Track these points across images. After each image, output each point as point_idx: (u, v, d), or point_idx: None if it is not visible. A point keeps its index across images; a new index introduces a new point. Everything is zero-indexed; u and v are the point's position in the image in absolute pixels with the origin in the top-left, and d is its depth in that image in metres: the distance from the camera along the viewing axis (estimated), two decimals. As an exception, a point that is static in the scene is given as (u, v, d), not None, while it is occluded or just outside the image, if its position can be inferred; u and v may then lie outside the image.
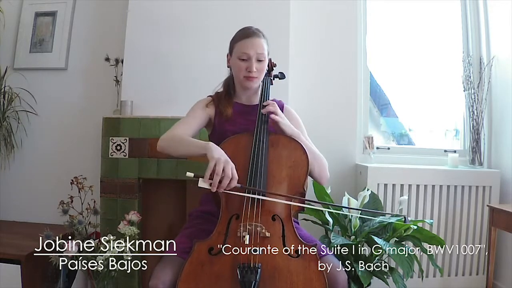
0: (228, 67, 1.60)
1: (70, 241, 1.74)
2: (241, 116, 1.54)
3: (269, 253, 1.20)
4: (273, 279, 1.17)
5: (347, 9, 2.54)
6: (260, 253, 1.18)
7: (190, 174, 1.25)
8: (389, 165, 2.45)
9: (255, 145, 1.36)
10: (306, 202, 1.40)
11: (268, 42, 1.53)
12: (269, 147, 1.39)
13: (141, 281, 2.14)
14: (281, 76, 1.66)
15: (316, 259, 1.21)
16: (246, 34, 1.50)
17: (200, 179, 1.24)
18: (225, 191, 1.25)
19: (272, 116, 1.42)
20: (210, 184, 1.23)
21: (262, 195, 1.28)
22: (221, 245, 1.23)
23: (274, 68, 1.64)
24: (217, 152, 1.28)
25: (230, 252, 1.21)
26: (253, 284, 1.12)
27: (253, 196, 1.27)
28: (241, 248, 1.20)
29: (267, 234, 1.23)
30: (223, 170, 1.23)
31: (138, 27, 2.30)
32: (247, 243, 1.19)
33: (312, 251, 1.22)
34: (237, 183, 1.26)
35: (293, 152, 1.40)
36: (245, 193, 1.27)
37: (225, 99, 1.56)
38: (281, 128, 1.44)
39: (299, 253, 1.22)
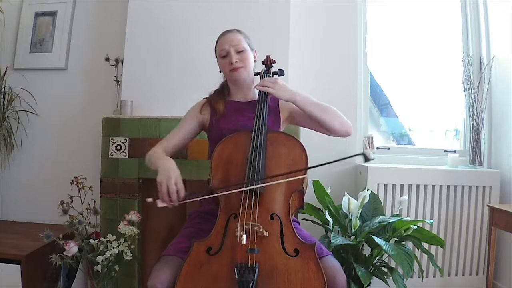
0: (220, 72, 1.63)
1: (70, 241, 1.75)
2: (236, 113, 1.55)
3: (266, 252, 1.19)
4: (271, 278, 1.16)
5: (347, 9, 2.54)
6: (257, 252, 1.17)
7: (149, 200, 1.31)
8: (389, 165, 2.45)
9: (254, 143, 1.36)
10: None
11: (247, 36, 1.59)
12: (267, 144, 1.38)
13: (141, 281, 2.14)
14: (280, 72, 1.66)
15: (315, 258, 1.20)
16: (220, 34, 1.59)
17: (157, 200, 1.30)
18: (184, 201, 1.32)
19: (264, 88, 1.46)
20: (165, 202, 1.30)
21: (252, 185, 1.29)
22: (219, 245, 1.22)
23: (273, 64, 1.64)
24: (160, 174, 1.33)
25: (228, 252, 1.20)
26: (251, 284, 1.11)
27: (241, 189, 1.28)
28: (239, 247, 1.19)
29: (265, 233, 1.22)
30: (167, 189, 1.29)
31: (138, 27, 2.30)
32: (244, 242, 1.17)
33: (310, 251, 1.22)
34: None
35: (292, 150, 1.39)
36: (236, 190, 1.28)
37: (217, 97, 1.60)
38: (278, 96, 1.47)
39: (298, 252, 1.21)
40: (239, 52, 1.53)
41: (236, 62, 1.51)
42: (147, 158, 1.51)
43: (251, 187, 1.27)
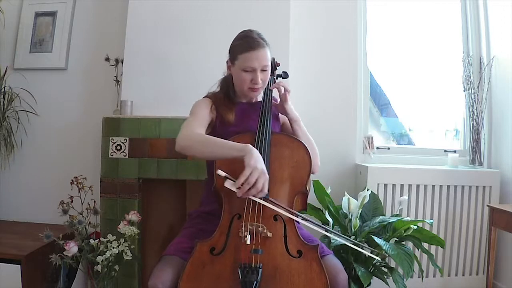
0: (228, 73, 1.57)
1: (70, 241, 1.75)
2: (243, 115, 1.54)
3: (270, 253, 1.19)
4: (274, 279, 1.16)
5: (347, 9, 2.54)
6: (262, 253, 1.17)
7: (221, 173, 1.20)
8: (389, 165, 2.45)
9: (258, 145, 1.36)
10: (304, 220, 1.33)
11: (270, 46, 1.47)
12: (271, 146, 1.38)
13: (141, 281, 2.14)
14: (284, 75, 1.66)
15: (317, 259, 1.21)
16: (250, 45, 1.43)
17: (228, 180, 1.20)
18: (255, 199, 1.22)
19: (287, 94, 1.50)
20: (238, 188, 1.19)
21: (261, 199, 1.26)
22: (222, 245, 1.22)
23: (277, 67, 1.63)
24: (255, 160, 1.20)
25: (232, 252, 1.20)
26: (254, 284, 1.11)
27: (254, 198, 1.24)
28: (242, 248, 1.19)
29: (269, 234, 1.22)
30: (256, 181, 1.18)
31: (138, 27, 2.30)
32: (249, 243, 1.18)
33: (313, 252, 1.22)
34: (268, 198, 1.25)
35: (296, 152, 1.39)
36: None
37: (225, 104, 1.53)
38: (285, 109, 1.51)
39: (301, 253, 1.22)
40: (263, 71, 1.46)
41: (260, 83, 1.45)
42: (200, 139, 1.32)
43: (258, 200, 1.24)
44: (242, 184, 1.18)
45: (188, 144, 1.31)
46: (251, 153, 1.21)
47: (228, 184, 1.20)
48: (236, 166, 1.24)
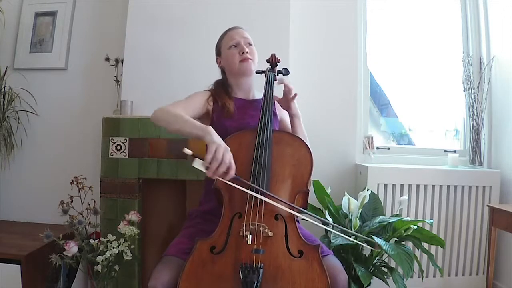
0: (220, 67, 1.64)
1: (70, 241, 1.75)
2: (240, 111, 1.54)
3: (271, 253, 1.19)
4: (275, 279, 1.15)
5: (347, 9, 2.54)
6: (263, 253, 1.16)
7: (188, 151, 1.17)
8: (389, 165, 2.45)
9: (259, 142, 1.35)
10: (305, 214, 1.34)
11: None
12: (273, 144, 1.38)
13: (141, 281, 2.14)
14: (285, 72, 1.65)
15: (319, 259, 1.20)
16: (227, 30, 1.63)
17: (196, 159, 1.18)
18: (220, 179, 1.21)
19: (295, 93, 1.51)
20: (207, 168, 1.18)
21: (261, 194, 1.25)
22: (223, 244, 1.21)
23: (278, 63, 1.63)
24: (218, 138, 1.24)
25: (232, 252, 1.19)
26: (255, 284, 1.10)
27: (251, 193, 1.24)
28: (243, 247, 1.18)
29: (270, 234, 1.21)
30: (222, 156, 1.19)
31: (138, 27, 2.30)
32: (250, 242, 1.17)
33: (315, 252, 1.21)
34: (238, 176, 1.23)
35: (297, 150, 1.39)
36: (242, 187, 1.23)
37: (225, 95, 1.56)
38: (290, 105, 1.52)
39: (302, 253, 1.21)
40: (249, 44, 1.57)
41: (247, 51, 1.53)
42: (172, 113, 1.36)
43: (257, 195, 1.24)
44: (210, 163, 1.17)
45: (161, 116, 1.39)
46: (211, 132, 1.25)
47: (196, 164, 1.18)
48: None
